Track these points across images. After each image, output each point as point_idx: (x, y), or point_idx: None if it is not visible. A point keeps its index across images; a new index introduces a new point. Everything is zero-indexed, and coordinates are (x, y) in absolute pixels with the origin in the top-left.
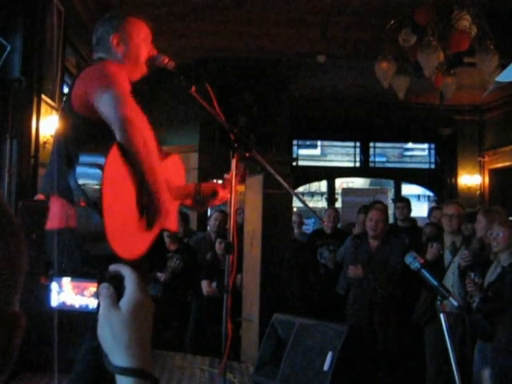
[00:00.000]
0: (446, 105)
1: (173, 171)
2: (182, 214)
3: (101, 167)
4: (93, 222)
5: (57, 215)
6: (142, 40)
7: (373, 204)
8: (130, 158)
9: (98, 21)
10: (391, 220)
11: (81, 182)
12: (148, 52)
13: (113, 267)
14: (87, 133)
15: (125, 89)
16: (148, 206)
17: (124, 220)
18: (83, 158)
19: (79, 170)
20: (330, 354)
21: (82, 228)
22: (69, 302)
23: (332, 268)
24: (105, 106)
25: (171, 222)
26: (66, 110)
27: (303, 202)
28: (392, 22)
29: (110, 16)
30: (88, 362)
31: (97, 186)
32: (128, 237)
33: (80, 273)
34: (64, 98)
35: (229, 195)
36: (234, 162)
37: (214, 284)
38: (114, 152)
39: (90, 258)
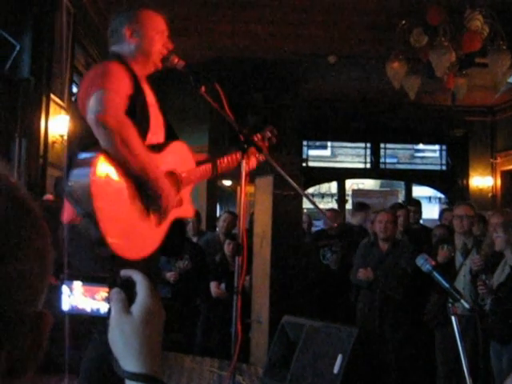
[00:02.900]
0: (458, 106)
1: (179, 158)
2: (195, 213)
3: (87, 183)
4: (93, 236)
5: (68, 209)
6: (156, 33)
7: (390, 207)
8: (115, 160)
9: (114, 13)
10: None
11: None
12: (163, 45)
13: (124, 272)
14: (90, 135)
15: (117, 94)
16: (152, 200)
17: (124, 225)
18: (80, 155)
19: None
20: (339, 356)
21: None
22: (80, 306)
23: (334, 269)
24: (89, 108)
25: (186, 209)
26: (74, 110)
27: (313, 203)
28: (404, 22)
29: (127, 8)
30: (95, 360)
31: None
32: (133, 239)
33: (91, 277)
34: (73, 99)
35: (255, 162)
36: (243, 163)
37: (223, 285)
38: (100, 160)
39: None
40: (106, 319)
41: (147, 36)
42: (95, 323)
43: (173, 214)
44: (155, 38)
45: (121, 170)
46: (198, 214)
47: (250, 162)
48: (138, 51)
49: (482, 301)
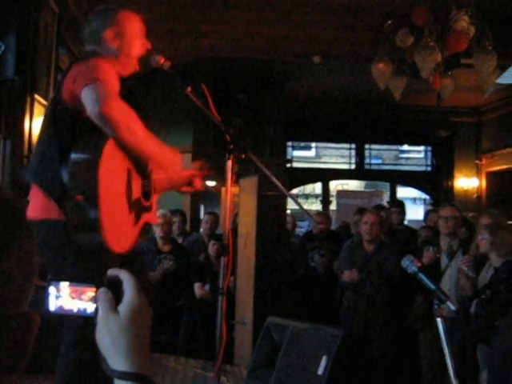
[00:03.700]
0: (443, 107)
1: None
2: (181, 213)
3: (94, 163)
4: (88, 216)
5: (38, 205)
6: (136, 35)
7: (373, 208)
8: (122, 149)
9: (92, 12)
10: None
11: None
12: (142, 46)
13: (111, 271)
14: (79, 127)
15: (111, 84)
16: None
17: (117, 214)
18: (75, 154)
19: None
20: (324, 358)
21: (75, 222)
22: (66, 307)
23: (322, 272)
24: (87, 101)
25: (152, 216)
26: (57, 103)
27: (298, 203)
28: (389, 22)
29: (105, 9)
30: (71, 357)
31: (88, 181)
32: (120, 231)
33: (77, 277)
34: (54, 92)
35: (201, 187)
36: (229, 163)
37: (207, 286)
38: (109, 147)
39: (79, 251)
40: (93, 319)
41: (128, 38)
42: (64, 323)
43: (143, 218)
44: (135, 40)
45: (123, 160)
46: (183, 215)
47: (196, 184)
48: (119, 53)
49: (469, 301)
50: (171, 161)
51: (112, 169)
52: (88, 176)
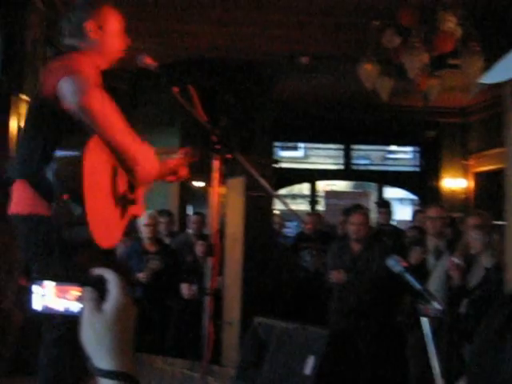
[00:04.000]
0: (431, 107)
1: None
2: (167, 213)
3: (78, 160)
4: (74, 214)
5: (24, 200)
6: (116, 30)
7: (354, 207)
8: (104, 143)
9: (73, 6)
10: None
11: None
12: (122, 43)
13: (96, 271)
14: (62, 123)
15: (90, 76)
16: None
17: (103, 210)
18: (59, 151)
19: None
20: (311, 358)
21: (62, 220)
22: (51, 306)
23: (312, 272)
24: (66, 93)
25: (138, 208)
26: (39, 99)
27: (284, 203)
28: (376, 23)
29: (87, 1)
30: (52, 355)
31: (73, 178)
32: (107, 226)
33: (62, 274)
34: (36, 90)
35: (186, 175)
36: (215, 164)
37: (194, 287)
38: (92, 143)
39: (65, 247)
40: (78, 318)
41: (109, 33)
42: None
43: (130, 212)
44: (116, 36)
45: (107, 155)
46: (170, 215)
47: (181, 173)
48: (99, 47)
49: (456, 300)
50: (146, 158)
51: (96, 165)
52: (72, 174)
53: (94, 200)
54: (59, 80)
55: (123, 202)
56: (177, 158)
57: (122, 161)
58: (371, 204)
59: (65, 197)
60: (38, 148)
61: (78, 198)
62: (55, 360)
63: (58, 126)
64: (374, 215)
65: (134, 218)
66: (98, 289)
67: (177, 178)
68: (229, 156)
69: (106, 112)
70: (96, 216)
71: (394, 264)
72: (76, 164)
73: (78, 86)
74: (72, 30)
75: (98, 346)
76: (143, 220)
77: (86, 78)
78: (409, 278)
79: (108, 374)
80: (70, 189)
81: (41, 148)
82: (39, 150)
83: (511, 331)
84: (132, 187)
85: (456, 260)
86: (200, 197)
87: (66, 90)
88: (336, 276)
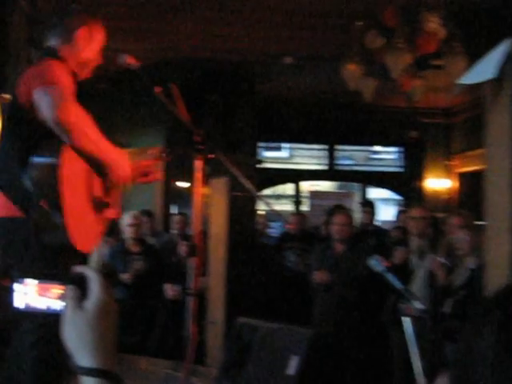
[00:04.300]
0: (414, 108)
1: None
2: (148, 213)
3: (55, 167)
4: (53, 220)
5: (2, 203)
6: (101, 44)
7: (336, 208)
8: (78, 153)
9: (65, 10)
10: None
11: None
12: (100, 57)
13: (77, 269)
14: (38, 130)
15: (66, 87)
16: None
17: (80, 214)
18: (35, 158)
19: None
20: (294, 358)
21: (41, 226)
22: (34, 304)
23: (297, 272)
24: (43, 105)
25: (113, 211)
26: (15, 107)
27: (267, 204)
28: (359, 23)
29: (80, 10)
30: (35, 356)
31: (50, 185)
32: (85, 230)
33: (44, 275)
34: (12, 96)
35: (158, 177)
36: (198, 164)
37: (178, 287)
38: (67, 149)
39: (45, 248)
40: (59, 316)
41: (96, 44)
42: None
43: (106, 215)
44: (99, 49)
45: (81, 161)
46: (150, 215)
47: (151, 175)
48: (81, 54)
49: (441, 300)
50: (118, 162)
51: (72, 171)
52: (49, 180)
53: (71, 205)
54: (35, 89)
55: (99, 205)
56: (148, 159)
57: (94, 166)
58: (355, 204)
59: (43, 203)
60: (13, 156)
61: (56, 204)
62: (39, 360)
63: (34, 133)
64: (357, 215)
65: (111, 221)
66: (80, 287)
67: (148, 180)
68: (212, 156)
69: (79, 123)
70: (74, 221)
71: (376, 264)
72: (53, 170)
73: (53, 99)
74: (61, 32)
75: (79, 344)
76: (126, 221)
77: (61, 89)
78: (390, 277)
79: (89, 372)
80: (48, 195)
81: (16, 156)
82: (14, 159)
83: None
84: (107, 191)
85: (441, 259)
86: (185, 197)
87: (42, 102)
88: (319, 276)
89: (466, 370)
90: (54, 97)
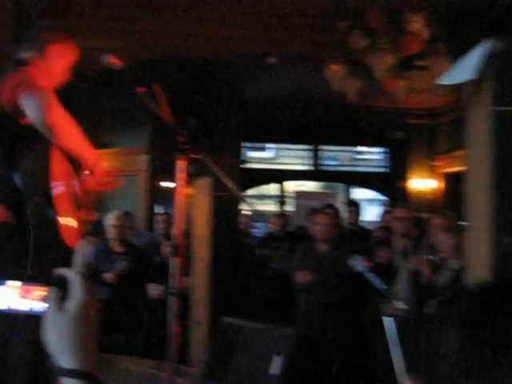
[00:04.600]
0: (399, 108)
1: None
2: (126, 213)
3: (46, 167)
4: (47, 215)
5: None
6: (70, 62)
7: (324, 207)
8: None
9: (44, 23)
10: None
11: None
12: (68, 75)
13: (59, 271)
14: (22, 133)
15: (48, 91)
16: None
17: (67, 212)
18: (25, 159)
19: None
20: (277, 358)
21: (37, 221)
22: (15, 306)
23: (281, 271)
24: (30, 110)
25: (88, 213)
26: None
27: (250, 204)
28: (343, 24)
29: (57, 27)
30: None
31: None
32: (70, 227)
33: (27, 276)
34: None
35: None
36: (181, 164)
37: (162, 287)
38: (54, 151)
39: (27, 251)
40: (41, 318)
41: (65, 62)
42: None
43: (83, 215)
44: (67, 67)
45: (65, 162)
46: (127, 214)
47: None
48: (51, 69)
49: (424, 301)
50: (95, 163)
51: (58, 171)
52: (42, 177)
53: (60, 203)
54: (21, 95)
55: (78, 205)
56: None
57: (76, 166)
58: (339, 205)
59: (37, 198)
60: (2, 159)
61: (49, 199)
62: (25, 362)
63: (20, 136)
64: (343, 215)
65: (89, 221)
66: (62, 288)
67: (108, 187)
68: (195, 157)
69: (63, 124)
70: (63, 217)
71: (357, 264)
72: (45, 167)
73: (41, 104)
74: (35, 47)
75: (60, 345)
76: (110, 221)
77: (45, 94)
78: (371, 277)
79: (70, 373)
80: (42, 193)
81: (4, 159)
82: (2, 161)
83: (453, 319)
84: (84, 192)
85: (429, 256)
86: (169, 197)
87: (30, 107)
88: (302, 277)
89: (431, 368)
90: (39, 101)
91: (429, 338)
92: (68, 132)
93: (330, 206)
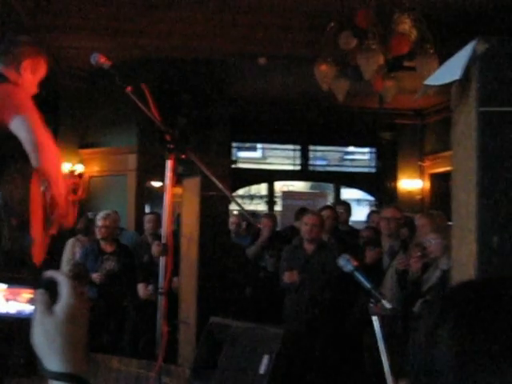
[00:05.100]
0: (387, 109)
1: None
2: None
3: (26, 188)
4: (24, 239)
5: None
6: (40, 78)
7: (321, 209)
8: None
9: (19, 36)
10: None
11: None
12: (37, 90)
13: (47, 273)
14: (7, 149)
15: (33, 110)
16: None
17: (39, 231)
18: (6, 179)
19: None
20: (266, 357)
21: (9, 244)
22: (3, 309)
23: (271, 271)
24: (21, 131)
25: (54, 228)
26: None
27: (238, 204)
28: (332, 24)
29: (32, 41)
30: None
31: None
32: (41, 246)
33: (14, 279)
34: None
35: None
36: (169, 163)
37: (151, 287)
38: (34, 172)
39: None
40: (30, 321)
41: (36, 78)
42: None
43: (51, 231)
44: (38, 83)
45: (39, 181)
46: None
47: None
48: (23, 84)
49: (411, 301)
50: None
51: (35, 191)
52: (20, 200)
53: (34, 223)
54: (10, 117)
55: (48, 222)
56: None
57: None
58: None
59: (14, 221)
60: None
61: (26, 222)
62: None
63: (4, 156)
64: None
65: (53, 236)
66: (50, 291)
67: (76, 197)
68: (184, 156)
69: (48, 146)
70: (36, 237)
71: (345, 263)
72: (24, 189)
73: (30, 125)
74: (10, 60)
75: (48, 348)
76: (99, 221)
77: (32, 113)
78: (359, 277)
79: (58, 376)
80: (19, 214)
81: None
82: None
83: (443, 328)
84: (52, 208)
85: (418, 253)
86: (158, 197)
87: (20, 129)
88: (289, 277)
89: (422, 375)
90: (28, 123)
91: (414, 338)
92: (50, 154)
93: (328, 207)
